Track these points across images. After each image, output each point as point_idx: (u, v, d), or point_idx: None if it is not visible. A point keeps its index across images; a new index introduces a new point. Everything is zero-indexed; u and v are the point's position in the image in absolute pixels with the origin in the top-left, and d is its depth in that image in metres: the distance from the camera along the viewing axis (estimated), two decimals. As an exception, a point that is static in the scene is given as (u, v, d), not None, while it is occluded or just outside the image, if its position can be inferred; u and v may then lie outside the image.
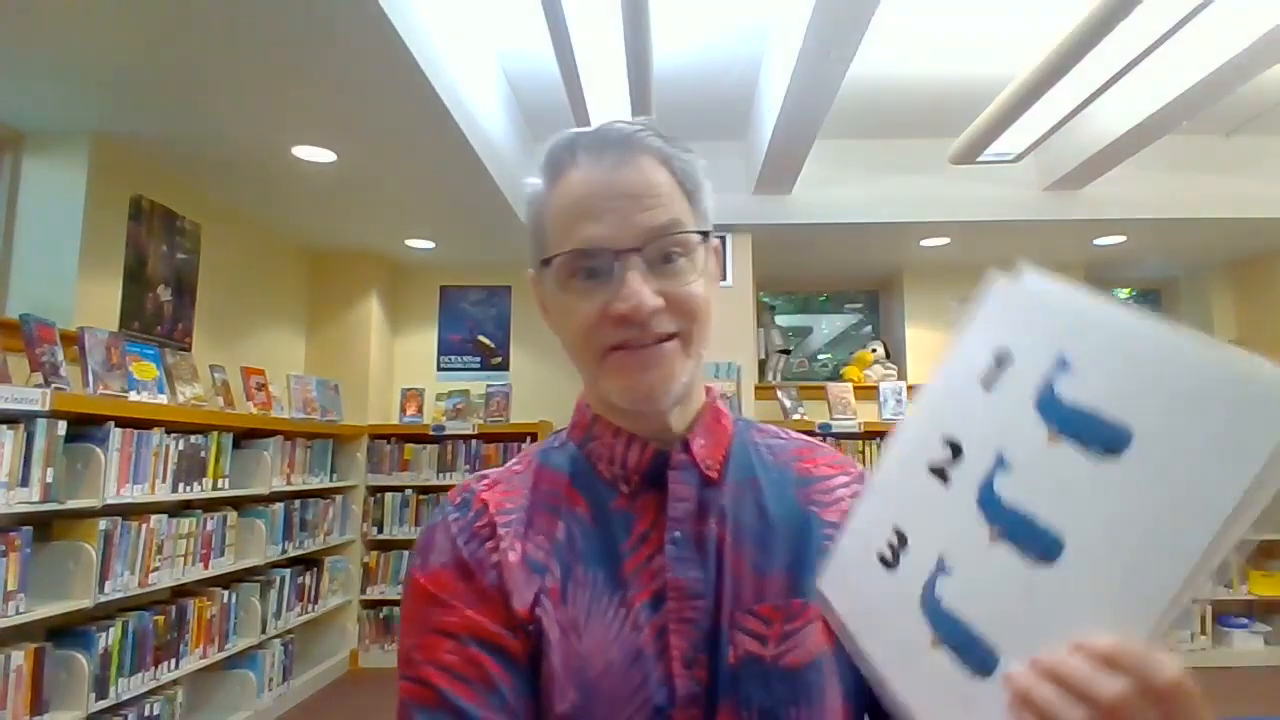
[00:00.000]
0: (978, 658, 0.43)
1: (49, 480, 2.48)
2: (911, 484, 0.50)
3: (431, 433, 5.07)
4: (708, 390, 0.75)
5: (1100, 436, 0.41)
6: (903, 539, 0.49)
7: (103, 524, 2.72)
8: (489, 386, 5.33)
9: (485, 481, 0.72)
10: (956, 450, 0.48)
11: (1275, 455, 0.35)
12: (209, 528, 3.35)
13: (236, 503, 3.64)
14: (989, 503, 0.45)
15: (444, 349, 5.62)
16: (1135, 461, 0.39)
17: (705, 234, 0.68)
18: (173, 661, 3.10)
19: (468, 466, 5.02)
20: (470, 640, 0.62)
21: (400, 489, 5.01)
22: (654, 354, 0.64)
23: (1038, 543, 0.42)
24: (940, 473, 0.48)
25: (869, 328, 6.30)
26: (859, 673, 0.58)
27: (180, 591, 3.28)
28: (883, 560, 0.50)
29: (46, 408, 2.44)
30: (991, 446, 0.46)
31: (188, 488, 3.23)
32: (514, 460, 0.75)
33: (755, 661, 0.62)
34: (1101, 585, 0.39)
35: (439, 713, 0.60)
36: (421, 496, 5.02)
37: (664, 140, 0.68)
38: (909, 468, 0.50)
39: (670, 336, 0.65)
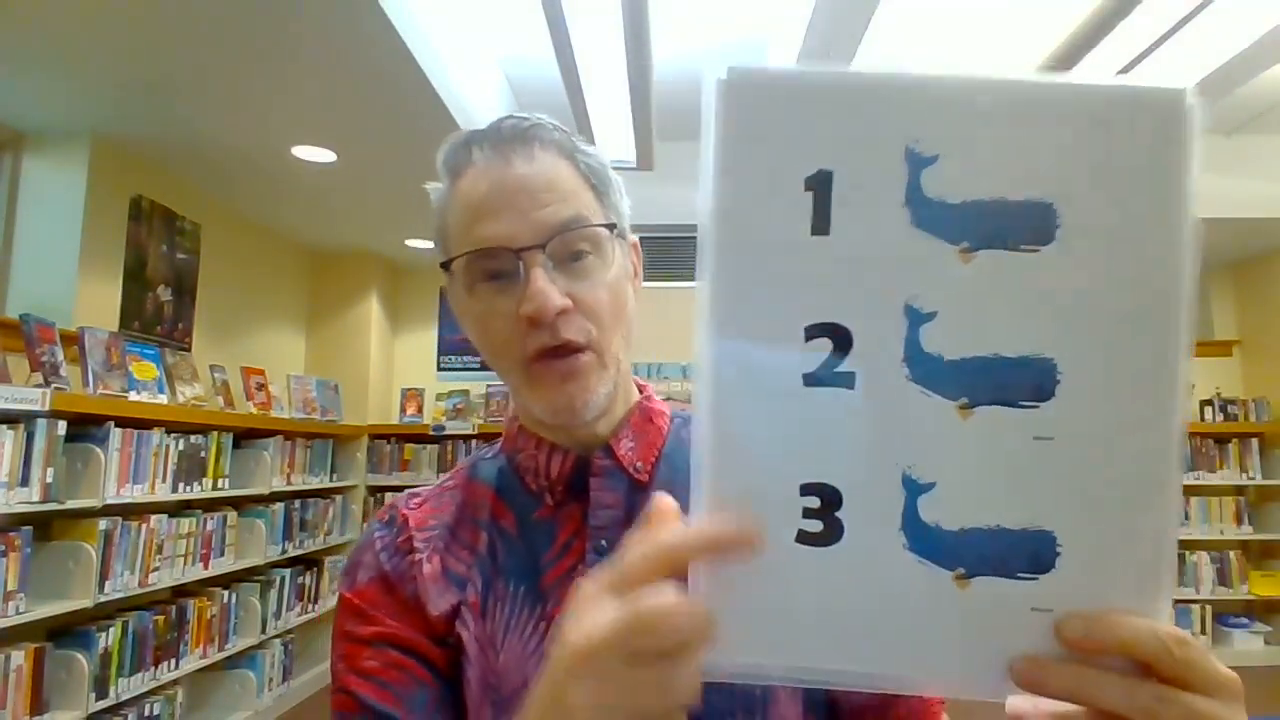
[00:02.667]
0: (1028, 555, 0.33)
1: (49, 480, 2.47)
2: (795, 416, 0.34)
3: (431, 433, 5.07)
4: (641, 389, 0.72)
5: (1021, 224, 0.33)
6: (826, 494, 0.34)
7: (103, 524, 2.71)
8: (489, 386, 5.33)
9: (415, 500, 0.70)
10: (838, 333, 0.33)
11: (1191, 167, 0.33)
12: (209, 528, 3.35)
13: (236, 503, 3.64)
14: (931, 371, 0.33)
15: (444, 349, 5.62)
16: (1073, 235, 0.33)
17: (612, 226, 0.64)
18: (173, 661, 3.09)
19: (468, 466, 5.03)
20: (389, 646, 0.62)
21: (400, 489, 4.99)
22: (570, 366, 0.61)
23: (1025, 380, 0.33)
24: (835, 377, 0.34)
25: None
26: None
27: (180, 591, 3.27)
28: (808, 539, 0.34)
29: (46, 408, 2.43)
30: (887, 304, 0.33)
31: (188, 488, 3.22)
32: (447, 475, 0.73)
33: None
34: (1115, 381, 0.33)
35: (360, 718, 0.60)
36: (421, 496, 5.02)
37: (564, 134, 0.65)
38: (776, 399, 0.34)
39: (583, 349, 0.62)
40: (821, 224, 0.33)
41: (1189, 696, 0.32)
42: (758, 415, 0.34)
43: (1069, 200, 0.33)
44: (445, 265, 0.65)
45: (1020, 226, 0.33)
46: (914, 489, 0.34)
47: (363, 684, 0.61)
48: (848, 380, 0.34)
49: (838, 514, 0.34)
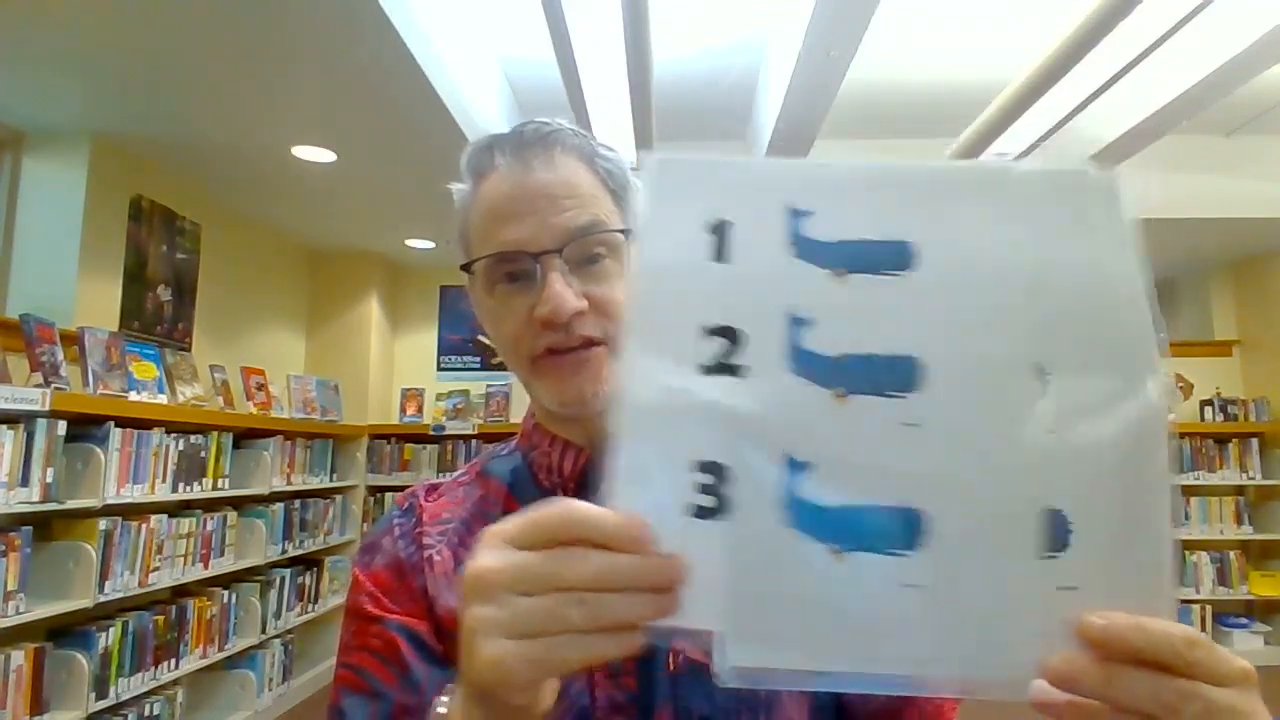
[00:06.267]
0: (897, 530, 0.37)
1: (49, 480, 2.48)
2: (692, 399, 0.39)
3: (431, 433, 5.07)
4: None
5: (883, 256, 0.40)
6: (717, 471, 0.38)
7: (103, 524, 2.71)
8: (489, 386, 5.33)
9: (432, 494, 0.72)
10: (730, 334, 0.40)
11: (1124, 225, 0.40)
12: (209, 528, 3.35)
13: (236, 503, 3.64)
14: (810, 365, 0.39)
15: (444, 349, 5.62)
16: (928, 262, 0.40)
17: (628, 231, 0.65)
18: (173, 661, 3.10)
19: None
20: (395, 626, 0.64)
21: (400, 489, 5.00)
22: (580, 358, 0.63)
23: (892, 374, 0.39)
24: (725, 368, 0.39)
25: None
26: None
27: (180, 591, 3.28)
28: (701, 512, 0.38)
29: (46, 408, 2.43)
30: (773, 312, 0.40)
31: (188, 488, 3.23)
32: (460, 471, 0.75)
33: (699, 668, 0.60)
34: (977, 375, 0.38)
35: (361, 695, 0.62)
36: (421, 496, 5.03)
37: (584, 138, 0.67)
38: (676, 383, 0.40)
39: (597, 342, 0.63)
40: (721, 255, 0.41)
41: (1208, 689, 0.33)
42: (660, 397, 0.40)
43: (921, 237, 0.40)
44: (467, 267, 0.67)
45: (883, 258, 0.40)
46: (794, 467, 0.38)
47: (368, 660, 0.63)
48: (738, 371, 0.40)
49: (726, 490, 0.38)
